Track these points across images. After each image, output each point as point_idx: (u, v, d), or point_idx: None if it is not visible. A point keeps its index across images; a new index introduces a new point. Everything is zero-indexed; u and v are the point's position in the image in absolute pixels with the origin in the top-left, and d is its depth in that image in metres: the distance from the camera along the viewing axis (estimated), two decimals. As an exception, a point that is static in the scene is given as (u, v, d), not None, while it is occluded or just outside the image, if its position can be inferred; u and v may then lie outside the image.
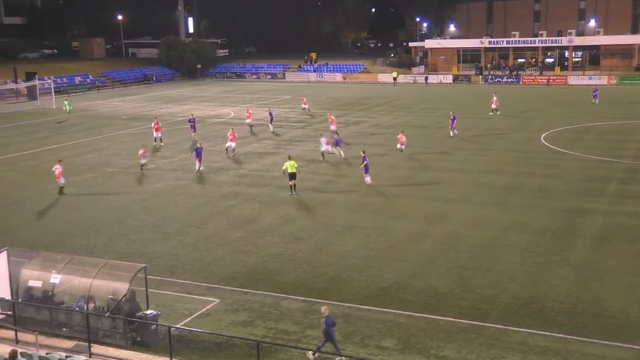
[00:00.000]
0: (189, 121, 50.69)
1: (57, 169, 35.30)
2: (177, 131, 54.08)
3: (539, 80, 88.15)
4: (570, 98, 71.06)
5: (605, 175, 36.91)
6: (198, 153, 39.34)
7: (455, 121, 48.64)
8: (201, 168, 39.39)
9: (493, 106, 59.96)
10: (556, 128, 51.89)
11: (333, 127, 48.86)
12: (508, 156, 42.37)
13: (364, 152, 35.85)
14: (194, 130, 49.89)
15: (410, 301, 21.33)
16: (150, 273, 21.01)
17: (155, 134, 48.07)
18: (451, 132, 48.65)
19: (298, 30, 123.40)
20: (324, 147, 41.96)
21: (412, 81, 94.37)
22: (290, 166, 33.67)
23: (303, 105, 64.53)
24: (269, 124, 53.31)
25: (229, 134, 44.62)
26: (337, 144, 42.27)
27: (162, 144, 47.99)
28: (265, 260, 25.12)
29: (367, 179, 34.93)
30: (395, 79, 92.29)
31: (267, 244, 26.92)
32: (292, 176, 33.67)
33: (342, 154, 41.76)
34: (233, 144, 44.10)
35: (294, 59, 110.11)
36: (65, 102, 64.17)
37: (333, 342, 17.87)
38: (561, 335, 18.89)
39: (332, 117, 51.31)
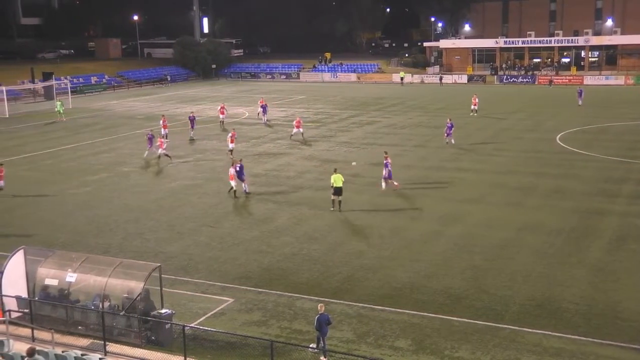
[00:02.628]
0: (189, 118, 51.67)
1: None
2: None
3: (555, 80, 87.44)
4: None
5: (621, 176, 36.61)
6: (240, 171, 33.97)
7: (452, 129, 45.44)
8: (246, 189, 34.16)
9: (473, 107, 58.97)
10: (572, 128, 51.55)
11: (264, 115, 52.05)
12: (523, 157, 42.14)
13: (386, 152, 35.13)
14: (192, 127, 50.92)
15: (425, 302, 21.28)
16: (164, 272, 21.16)
17: (162, 132, 48.88)
18: (446, 140, 45.65)
19: (312, 30, 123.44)
20: (159, 150, 42.61)
21: (419, 81, 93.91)
22: (336, 180, 30.56)
23: (259, 109, 59.25)
24: (263, 116, 57.82)
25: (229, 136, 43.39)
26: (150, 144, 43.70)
27: (167, 140, 48.47)
28: (280, 260, 25.17)
29: (383, 184, 34.09)
30: (402, 79, 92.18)
31: (281, 243, 26.97)
32: (337, 191, 30.56)
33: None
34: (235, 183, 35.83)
35: (308, 59, 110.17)
36: (57, 103, 63.75)
37: (322, 337, 17.99)
38: (576, 337, 18.77)
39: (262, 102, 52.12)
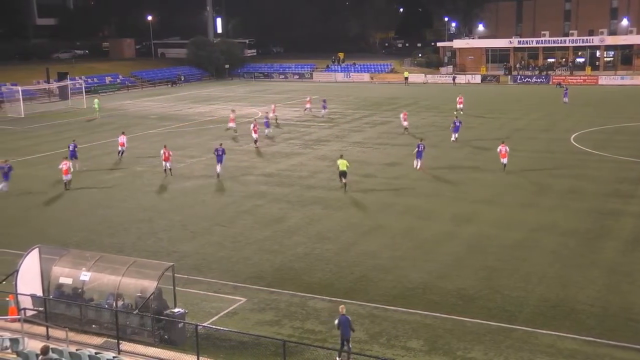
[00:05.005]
0: (265, 119, 52.66)
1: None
2: (203, 131, 54.50)
3: (569, 80, 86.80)
4: (592, 98, 70.02)
5: (636, 176, 36.31)
6: (219, 156, 37.82)
7: (459, 126, 46.91)
8: (219, 171, 37.87)
9: (459, 106, 59.52)
10: (586, 129, 51.19)
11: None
12: (537, 157, 41.90)
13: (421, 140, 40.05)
14: (268, 126, 51.62)
15: (437, 302, 21.22)
16: (177, 271, 21.22)
17: (230, 125, 52.41)
18: (453, 136, 46.93)
19: (325, 30, 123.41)
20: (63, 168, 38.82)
21: (421, 81, 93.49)
22: (341, 164, 34.64)
23: (307, 106, 61.05)
24: (322, 110, 61.42)
25: (162, 151, 38.96)
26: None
27: (236, 134, 51.56)
28: (292, 260, 25.19)
29: (417, 163, 38.30)
30: (406, 78, 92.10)
31: (293, 243, 26.99)
32: (342, 174, 34.58)
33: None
34: (168, 164, 38.75)
35: (321, 59, 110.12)
36: (96, 101, 66.19)
37: (344, 341, 17.76)
38: (591, 338, 18.65)
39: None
